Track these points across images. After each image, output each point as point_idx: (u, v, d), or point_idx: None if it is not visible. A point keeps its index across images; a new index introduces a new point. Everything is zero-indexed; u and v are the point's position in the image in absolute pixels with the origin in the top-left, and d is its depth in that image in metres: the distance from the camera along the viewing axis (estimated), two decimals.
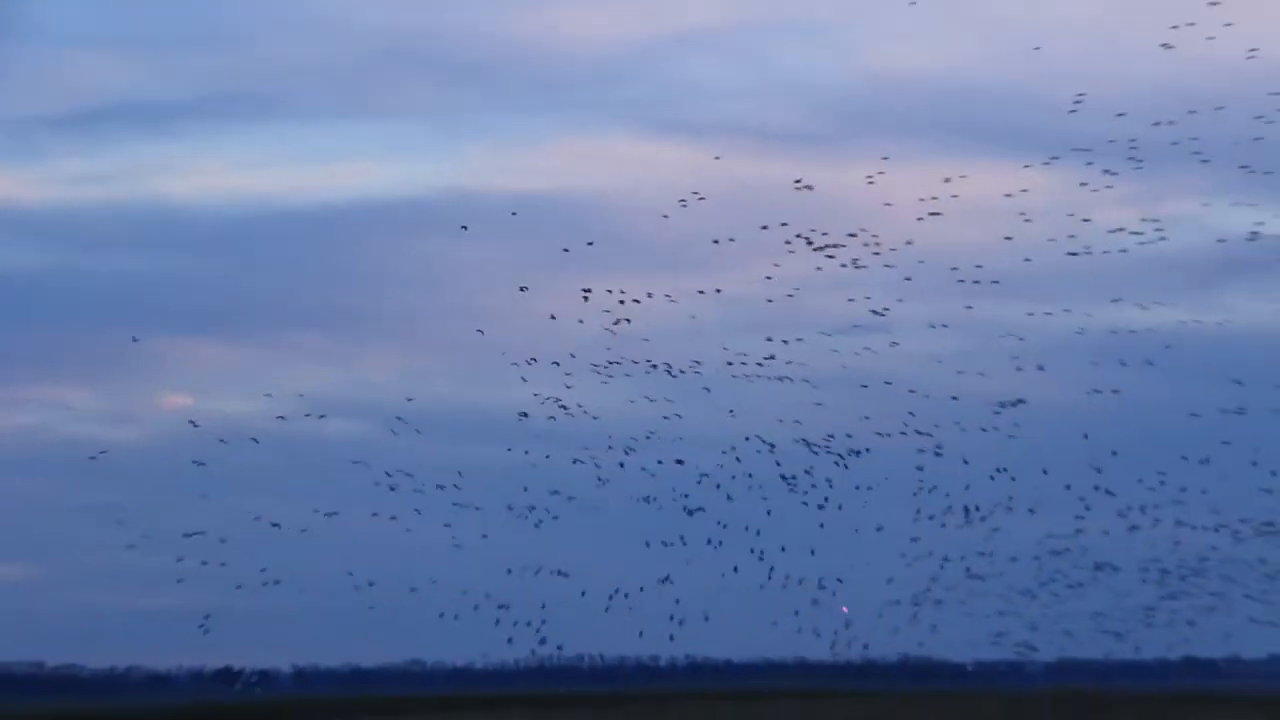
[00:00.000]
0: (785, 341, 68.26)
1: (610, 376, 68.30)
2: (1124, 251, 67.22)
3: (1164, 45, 62.04)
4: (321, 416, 72.65)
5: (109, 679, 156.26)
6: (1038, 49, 79.07)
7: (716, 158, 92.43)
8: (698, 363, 69.12)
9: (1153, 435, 76.94)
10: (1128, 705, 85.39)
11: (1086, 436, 72.31)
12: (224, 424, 67.67)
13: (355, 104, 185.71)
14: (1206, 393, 73.75)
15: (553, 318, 66.97)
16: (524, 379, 67.03)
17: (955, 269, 67.84)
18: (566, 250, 65.54)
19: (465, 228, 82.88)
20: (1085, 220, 66.66)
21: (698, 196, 66.73)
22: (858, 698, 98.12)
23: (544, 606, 71.49)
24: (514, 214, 68.59)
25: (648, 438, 69.19)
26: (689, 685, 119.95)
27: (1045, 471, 72.26)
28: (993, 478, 72.07)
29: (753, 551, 71.01)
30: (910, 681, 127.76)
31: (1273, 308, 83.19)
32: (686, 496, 70.52)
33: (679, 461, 69.21)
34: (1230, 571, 76.14)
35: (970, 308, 68.41)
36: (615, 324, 66.09)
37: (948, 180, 66.37)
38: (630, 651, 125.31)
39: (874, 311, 67.59)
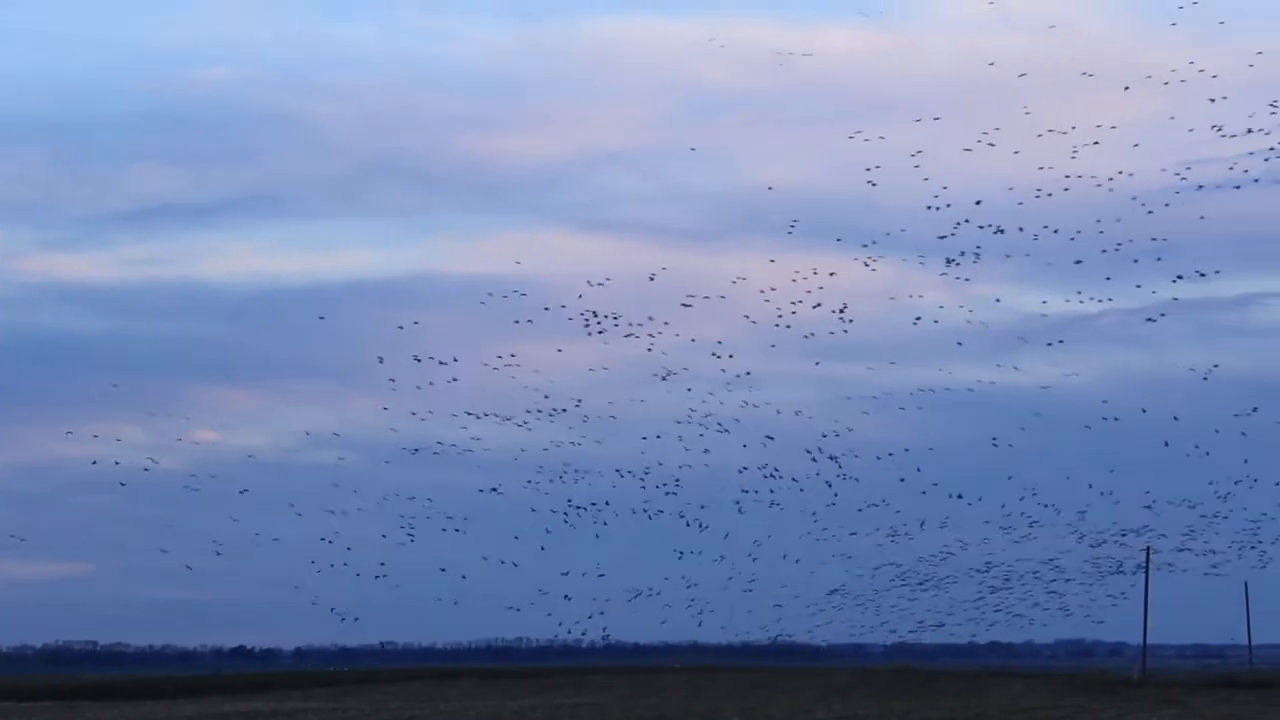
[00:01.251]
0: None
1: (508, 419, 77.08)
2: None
3: (869, 182, 73.97)
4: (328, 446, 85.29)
5: (148, 654, 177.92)
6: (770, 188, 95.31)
7: (518, 261, 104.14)
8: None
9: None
10: (948, 678, 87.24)
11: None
12: (246, 452, 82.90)
13: (346, 206, 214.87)
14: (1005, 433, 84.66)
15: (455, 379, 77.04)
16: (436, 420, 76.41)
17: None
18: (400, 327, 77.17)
19: (322, 317, 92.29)
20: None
21: (518, 292, 76.78)
22: (736, 671, 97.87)
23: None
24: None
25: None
26: (605, 662, 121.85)
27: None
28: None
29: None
30: (775, 659, 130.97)
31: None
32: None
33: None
34: (1030, 575, 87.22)
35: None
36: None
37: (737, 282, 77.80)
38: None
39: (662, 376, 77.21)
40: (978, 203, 73.00)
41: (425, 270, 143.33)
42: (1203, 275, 75.62)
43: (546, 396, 77.46)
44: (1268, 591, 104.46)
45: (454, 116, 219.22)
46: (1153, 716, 59.55)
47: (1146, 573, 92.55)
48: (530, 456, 78.48)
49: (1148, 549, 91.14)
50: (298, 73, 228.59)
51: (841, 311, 75.92)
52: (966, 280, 75.84)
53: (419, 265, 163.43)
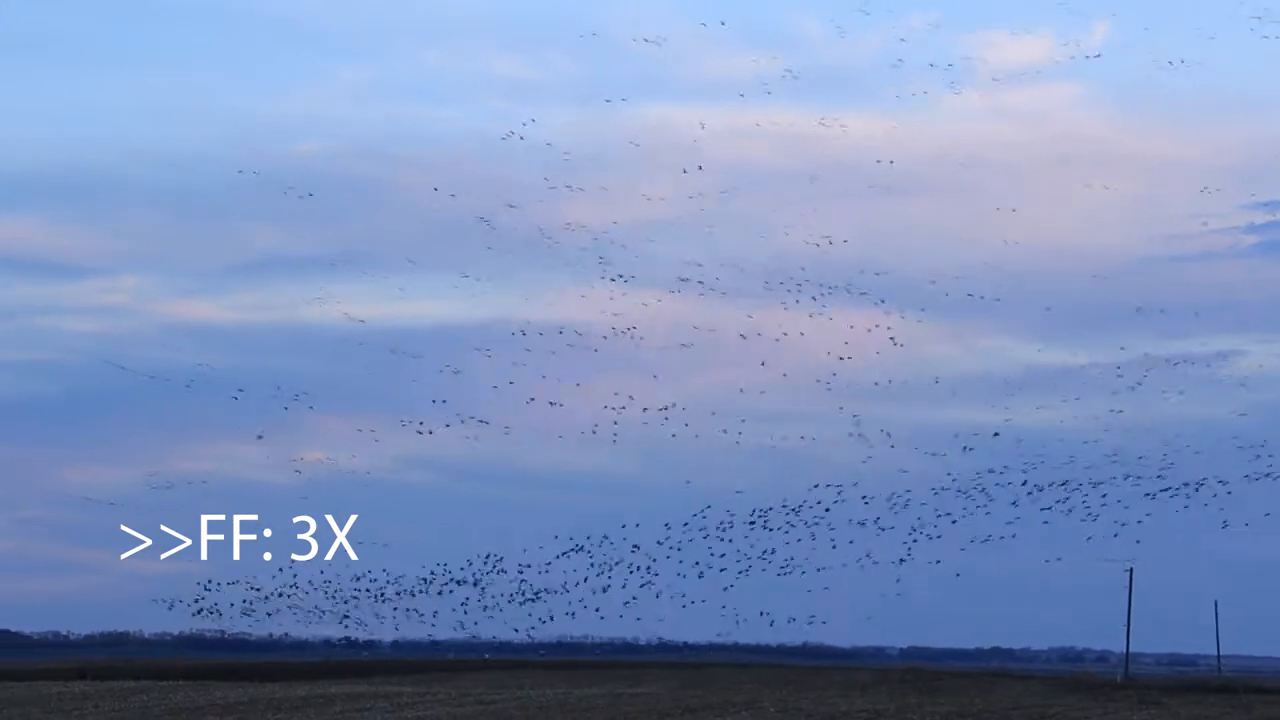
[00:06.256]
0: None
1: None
2: None
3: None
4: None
5: (267, 642, 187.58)
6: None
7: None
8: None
9: None
10: (955, 678, 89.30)
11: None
12: (348, 471, 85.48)
13: (421, 260, 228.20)
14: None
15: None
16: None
17: None
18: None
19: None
20: None
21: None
22: (769, 669, 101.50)
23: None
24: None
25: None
26: (659, 658, 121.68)
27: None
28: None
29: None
30: (805, 659, 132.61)
31: None
32: None
33: None
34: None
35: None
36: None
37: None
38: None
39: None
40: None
41: (499, 318, 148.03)
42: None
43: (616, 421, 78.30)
44: (1236, 610, 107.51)
45: (520, 186, 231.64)
46: (1134, 716, 59.56)
47: (1130, 590, 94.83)
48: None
49: (1130, 569, 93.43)
50: (382, 147, 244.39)
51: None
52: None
53: (495, 314, 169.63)
